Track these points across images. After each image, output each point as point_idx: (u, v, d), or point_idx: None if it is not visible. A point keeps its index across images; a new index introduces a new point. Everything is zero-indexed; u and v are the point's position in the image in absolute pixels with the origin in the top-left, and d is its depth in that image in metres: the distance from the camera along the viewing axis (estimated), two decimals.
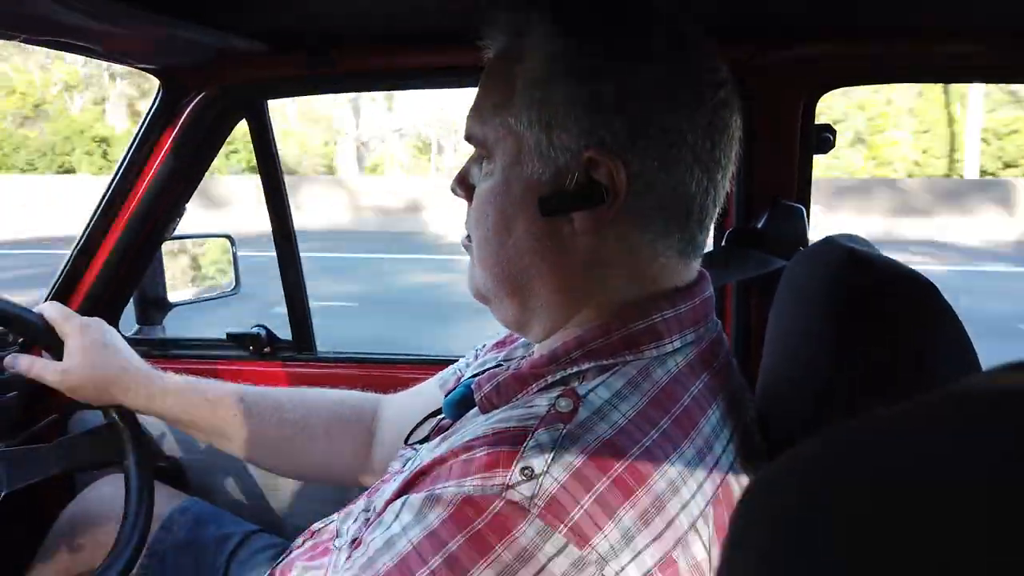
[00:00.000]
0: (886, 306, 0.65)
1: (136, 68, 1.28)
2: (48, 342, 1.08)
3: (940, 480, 0.29)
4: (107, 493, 1.29)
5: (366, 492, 0.82)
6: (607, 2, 0.67)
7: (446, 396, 0.77)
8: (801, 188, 1.21)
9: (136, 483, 1.09)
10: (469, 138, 0.71)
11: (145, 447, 1.12)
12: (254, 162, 1.46)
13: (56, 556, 1.25)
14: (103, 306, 1.43)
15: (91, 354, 1.06)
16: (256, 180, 1.55)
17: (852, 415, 0.35)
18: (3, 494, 0.98)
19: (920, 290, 0.65)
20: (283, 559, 0.90)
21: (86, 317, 1.10)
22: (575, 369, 0.63)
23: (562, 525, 0.51)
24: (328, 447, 1.09)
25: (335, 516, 0.88)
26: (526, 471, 0.53)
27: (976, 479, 0.28)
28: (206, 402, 1.08)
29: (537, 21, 0.66)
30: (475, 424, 0.62)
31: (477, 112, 0.70)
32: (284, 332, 1.55)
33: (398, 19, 1.12)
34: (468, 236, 0.73)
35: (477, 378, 0.70)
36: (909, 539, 0.29)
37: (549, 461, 0.53)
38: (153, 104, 1.35)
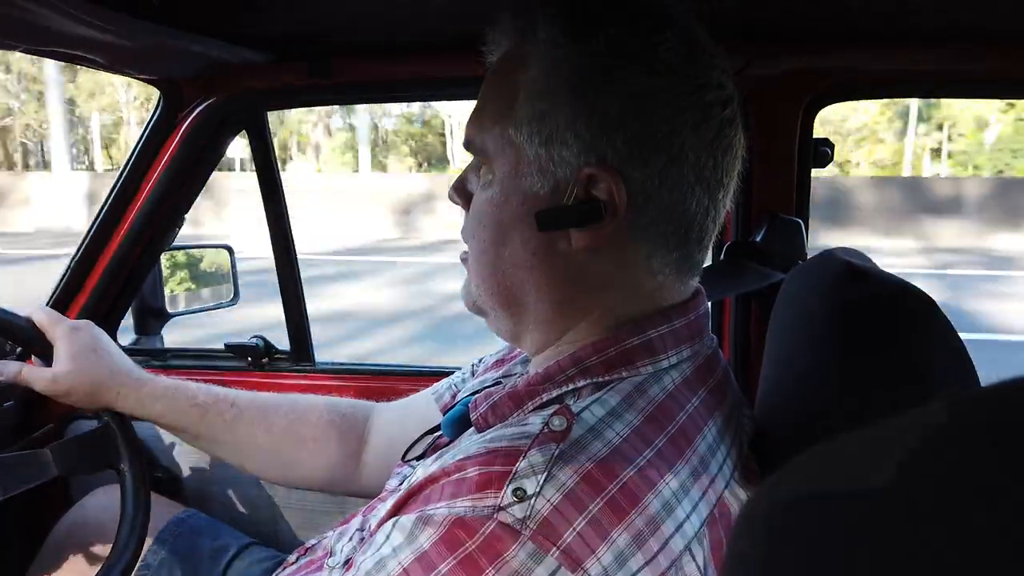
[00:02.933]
0: (884, 320, 0.65)
1: (137, 79, 1.28)
2: (37, 346, 1.07)
3: (936, 493, 0.29)
4: (103, 503, 1.29)
5: (363, 510, 0.82)
6: (615, 11, 0.64)
7: (444, 413, 0.77)
8: (799, 202, 1.21)
9: (131, 487, 1.09)
10: (468, 145, 0.70)
11: (139, 451, 1.11)
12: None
13: (51, 566, 1.24)
14: (101, 316, 1.42)
15: (81, 358, 1.05)
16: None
17: (850, 429, 0.35)
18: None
19: (918, 304, 0.65)
20: (277, 574, 0.89)
21: (76, 320, 1.10)
22: (570, 387, 0.63)
23: (554, 548, 0.50)
24: (317, 454, 1.08)
25: (330, 533, 0.87)
26: (518, 492, 0.52)
27: (972, 490, 0.28)
28: (195, 406, 1.08)
29: (543, 28, 0.64)
30: (469, 442, 0.61)
31: (477, 120, 0.69)
32: None
33: (400, 30, 1.12)
34: (466, 252, 0.72)
35: (474, 397, 0.70)
36: (907, 553, 0.29)
37: (541, 482, 0.52)
38: (153, 114, 1.36)
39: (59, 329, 1.06)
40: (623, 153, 0.61)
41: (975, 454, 0.29)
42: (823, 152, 1.22)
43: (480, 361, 1.00)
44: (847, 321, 0.66)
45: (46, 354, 1.07)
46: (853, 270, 0.68)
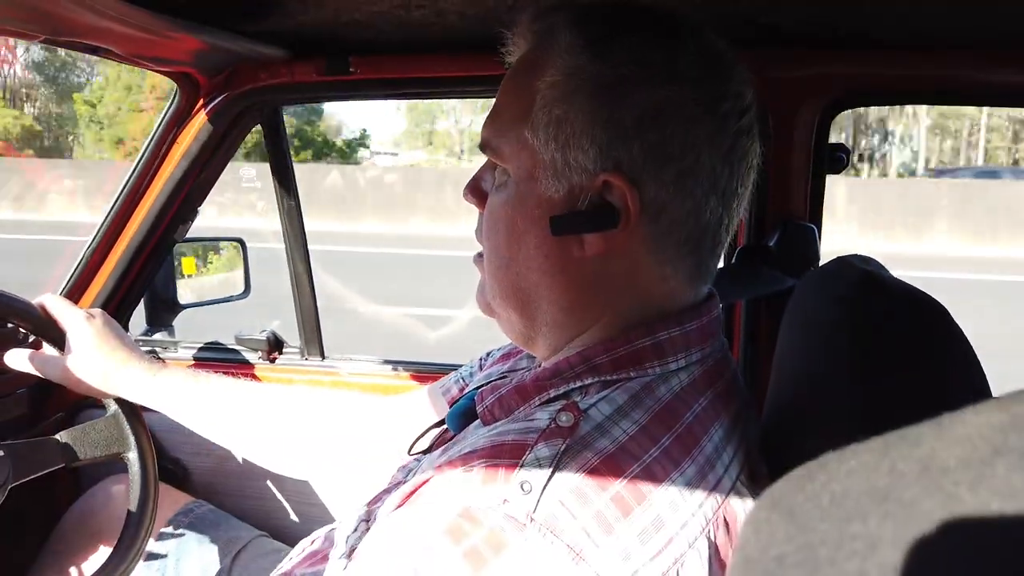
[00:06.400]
0: (896, 328, 0.65)
1: (154, 71, 1.29)
2: (49, 334, 1.08)
3: (946, 506, 0.29)
4: (113, 492, 1.30)
5: (368, 501, 0.82)
6: (635, 18, 0.64)
7: (450, 406, 0.77)
8: (813, 208, 1.20)
9: (139, 474, 1.10)
10: (484, 147, 0.70)
11: (148, 439, 1.12)
12: None
13: (61, 554, 1.25)
14: (114, 306, 1.44)
15: (92, 346, 1.06)
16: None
17: (858, 438, 0.35)
18: (8, 488, 0.99)
19: (931, 313, 0.65)
20: (282, 566, 0.90)
21: (88, 309, 1.11)
22: (578, 383, 0.63)
23: (559, 541, 0.50)
24: (325, 447, 1.09)
25: (335, 524, 0.88)
26: (524, 486, 0.52)
27: (987, 505, 0.28)
28: (202, 396, 1.09)
29: (562, 33, 0.64)
30: (476, 436, 0.62)
31: (494, 122, 0.69)
32: None
33: (417, 27, 1.12)
34: (480, 253, 0.72)
35: (480, 390, 0.70)
36: (918, 568, 0.29)
37: (548, 476, 0.53)
38: (169, 107, 1.36)
39: (71, 317, 1.07)
40: (639, 161, 0.61)
41: (986, 466, 0.29)
42: (838, 158, 1.22)
43: (488, 355, 1.00)
44: (859, 328, 0.66)
45: (58, 342, 1.08)
46: (867, 277, 0.68)
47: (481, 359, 1.01)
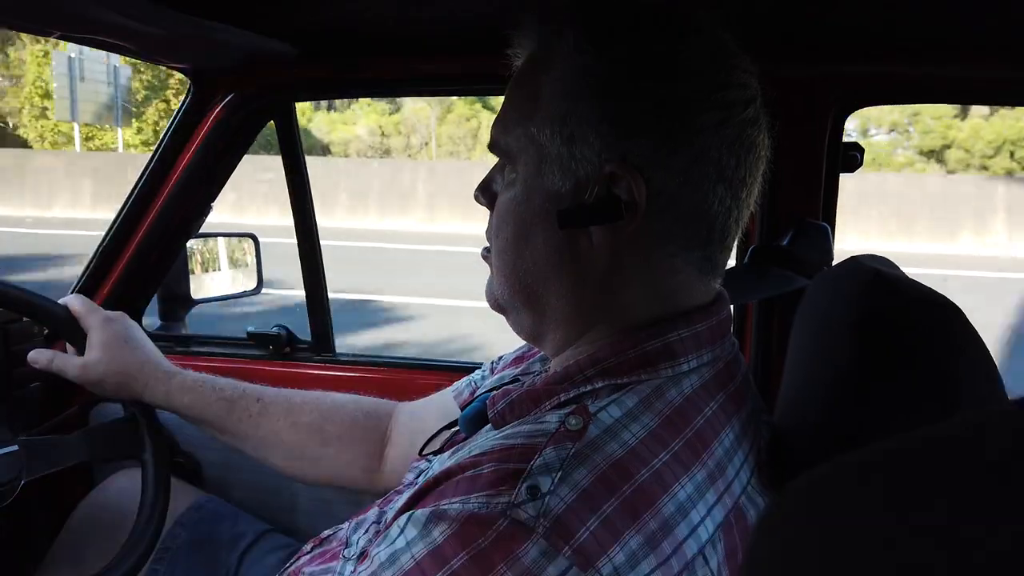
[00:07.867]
0: (911, 329, 0.64)
1: (168, 67, 1.29)
2: (71, 334, 1.09)
3: (963, 511, 0.29)
4: (124, 486, 1.30)
5: (379, 502, 0.82)
6: (640, 17, 0.65)
7: (461, 409, 0.77)
8: (827, 207, 1.20)
9: (152, 477, 1.10)
10: (492, 146, 0.70)
11: (162, 442, 1.13)
12: None
13: (72, 547, 1.26)
14: (127, 302, 1.44)
15: (113, 348, 1.07)
16: None
17: (872, 439, 0.34)
18: (23, 482, 1.00)
19: (945, 314, 0.64)
20: (291, 564, 0.90)
21: (110, 311, 1.12)
22: (588, 387, 0.63)
23: (567, 547, 0.50)
24: (341, 452, 1.09)
25: (345, 524, 0.88)
26: (532, 490, 0.52)
27: (1003, 509, 0.28)
28: (222, 401, 1.09)
29: (568, 32, 0.65)
30: (485, 439, 0.62)
31: (502, 121, 0.69)
32: None
33: (427, 24, 1.13)
34: (487, 248, 0.73)
35: (492, 393, 0.70)
36: (934, 568, 0.28)
37: (556, 480, 0.53)
38: (183, 103, 1.37)
39: (93, 318, 1.09)
40: (645, 152, 0.61)
41: (992, 474, 0.29)
42: (852, 156, 1.21)
43: (500, 359, 1.00)
44: (871, 330, 0.65)
45: (79, 342, 1.09)
46: (879, 278, 0.67)
47: (493, 363, 1.01)
